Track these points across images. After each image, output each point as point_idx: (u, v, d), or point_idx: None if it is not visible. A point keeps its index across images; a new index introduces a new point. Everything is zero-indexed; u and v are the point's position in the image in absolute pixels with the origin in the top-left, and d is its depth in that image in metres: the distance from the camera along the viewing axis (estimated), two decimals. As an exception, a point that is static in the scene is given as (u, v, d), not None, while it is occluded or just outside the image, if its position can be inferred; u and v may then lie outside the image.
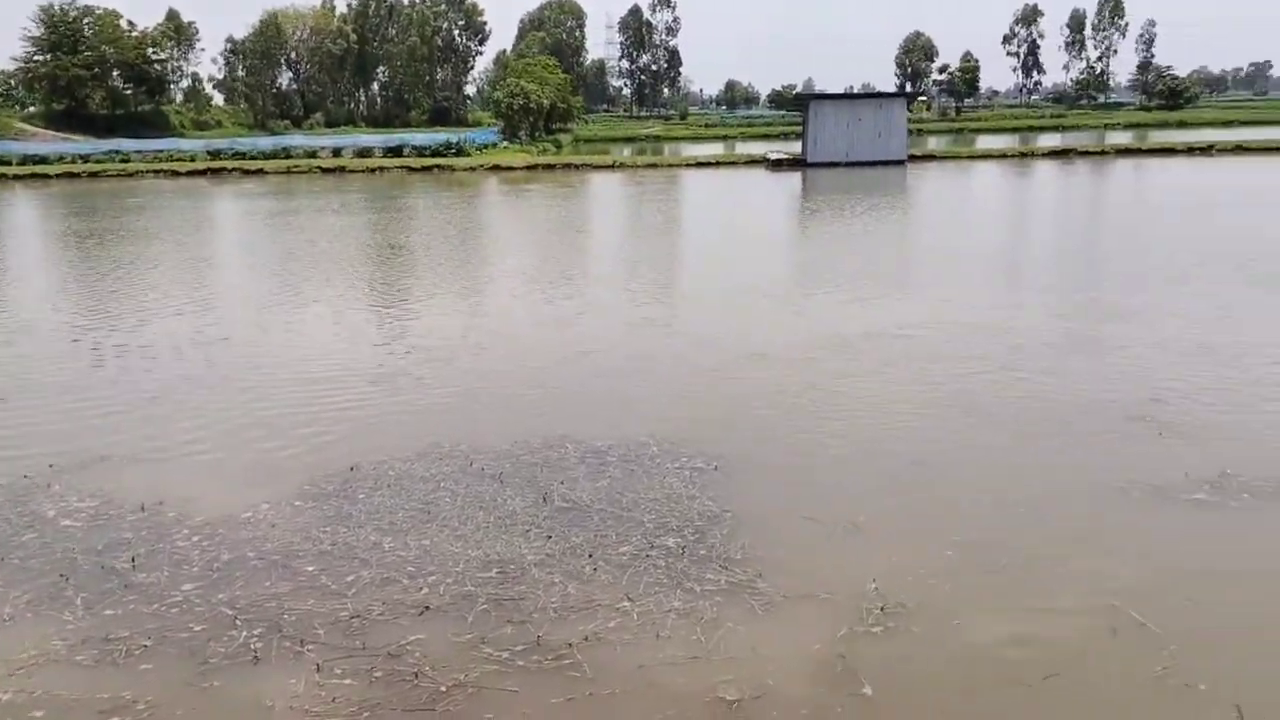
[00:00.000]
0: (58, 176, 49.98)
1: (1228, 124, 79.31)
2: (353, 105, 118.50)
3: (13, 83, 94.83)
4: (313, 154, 56.80)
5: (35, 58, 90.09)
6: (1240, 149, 48.84)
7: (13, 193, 43.69)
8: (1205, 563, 6.41)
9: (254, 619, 5.93)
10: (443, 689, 5.16)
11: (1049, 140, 66.35)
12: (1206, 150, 48.95)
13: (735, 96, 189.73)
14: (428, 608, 5.99)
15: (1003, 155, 52.47)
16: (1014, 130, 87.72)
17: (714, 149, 69.35)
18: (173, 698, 5.19)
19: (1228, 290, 14.99)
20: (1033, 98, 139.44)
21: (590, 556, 6.61)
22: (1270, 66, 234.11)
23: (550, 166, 50.80)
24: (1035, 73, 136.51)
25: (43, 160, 55.25)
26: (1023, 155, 52.11)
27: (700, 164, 51.03)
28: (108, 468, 8.58)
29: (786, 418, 9.57)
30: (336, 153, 56.97)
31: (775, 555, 6.60)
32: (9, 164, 53.56)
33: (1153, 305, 14.17)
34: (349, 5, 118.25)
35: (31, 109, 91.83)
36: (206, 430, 9.60)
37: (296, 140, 65.88)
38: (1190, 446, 8.46)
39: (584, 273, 19.04)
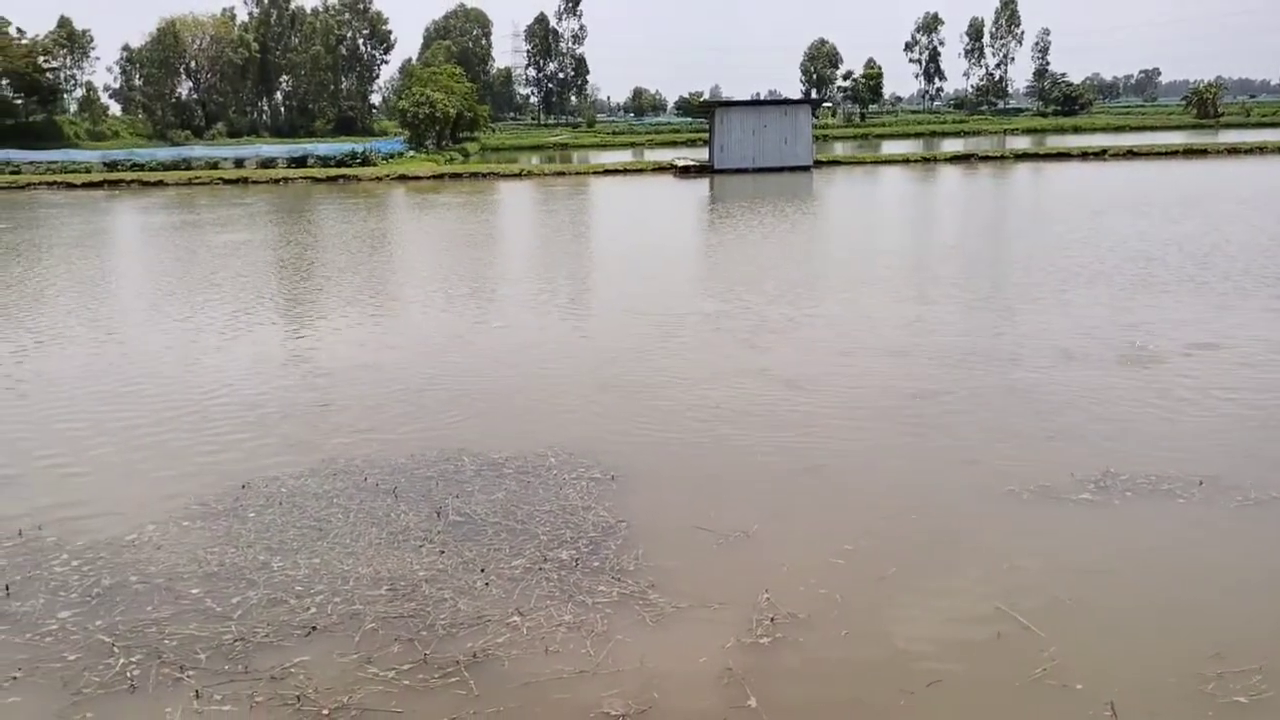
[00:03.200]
0: (-59, 189, 47.98)
1: (1120, 129, 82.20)
2: (256, 115, 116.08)
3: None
4: (214, 165, 55.54)
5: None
6: (1131, 153, 50.60)
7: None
8: (1088, 562, 6.59)
9: (133, 645, 5.74)
10: (325, 712, 5.05)
11: (952, 145, 67.95)
12: (1100, 154, 50.65)
13: (643, 104, 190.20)
14: (314, 628, 5.87)
15: (906, 160, 53.63)
16: (918, 135, 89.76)
17: (622, 156, 69.58)
18: (41, 733, 5.00)
19: (1116, 293, 15.50)
20: (935, 104, 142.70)
21: (482, 571, 6.55)
22: (1159, 74, 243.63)
23: (457, 175, 50.44)
24: (937, 79, 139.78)
25: (-76, 171, 53.02)
26: (926, 160, 53.31)
27: (609, 171, 51.12)
28: (-18, 494, 8.23)
29: (686, 428, 9.61)
30: (239, 163, 55.82)
31: (668, 566, 6.61)
32: (-114, 176, 51.29)
33: (1052, 308, 14.60)
34: (250, 14, 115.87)
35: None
36: (92, 452, 9.29)
37: (198, 151, 64.29)
38: (1077, 447, 8.71)
39: (491, 284, 18.91)
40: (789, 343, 12.96)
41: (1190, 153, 50.55)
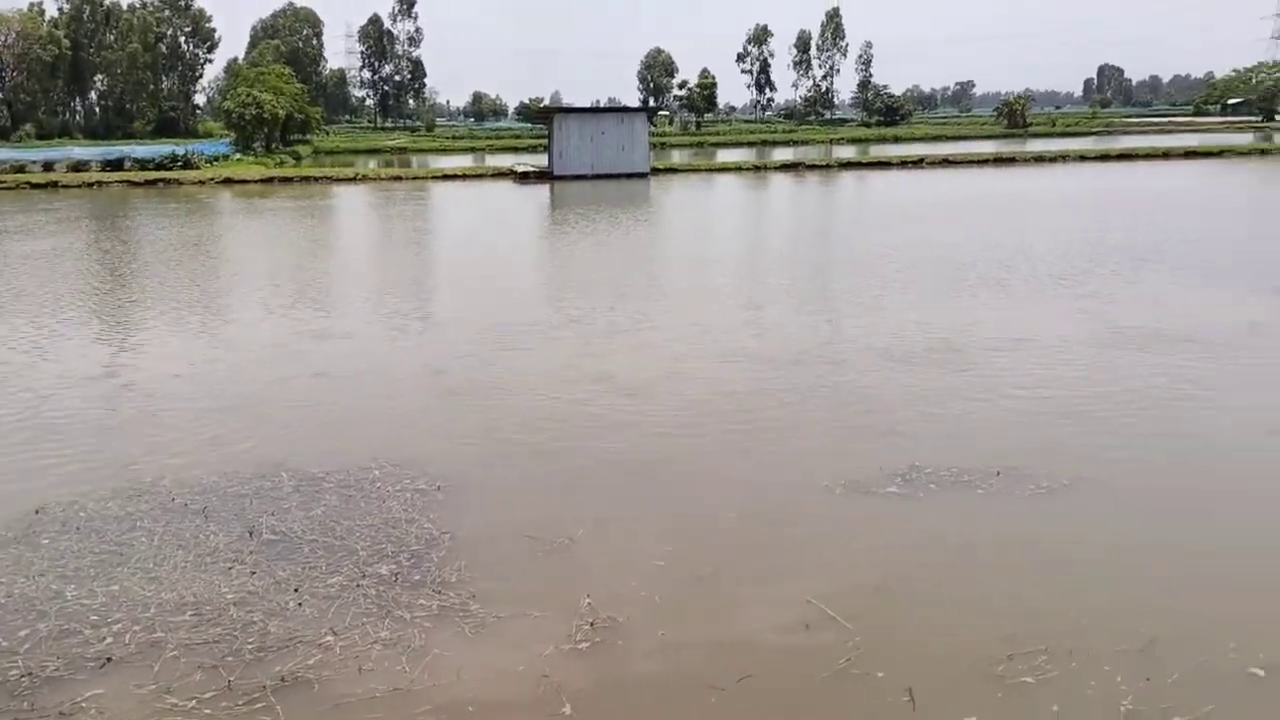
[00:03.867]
0: None
1: (937, 139, 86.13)
2: (68, 116, 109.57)
3: None
4: (21, 168, 51.97)
5: None
6: (947, 162, 53.12)
7: None
8: (894, 554, 6.87)
9: (-96, 690, 5.32)
10: (118, 748, 4.80)
11: (782, 154, 69.85)
12: (918, 163, 52.95)
13: (483, 109, 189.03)
14: (110, 659, 5.57)
15: (739, 168, 54.80)
16: (750, 144, 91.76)
17: (462, 161, 68.75)
18: None
19: (930, 297, 16.23)
20: (766, 113, 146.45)
21: (296, 590, 6.34)
22: (974, 85, 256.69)
23: (288, 179, 48.80)
24: (768, 89, 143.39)
25: None
26: (758, 168, 54.60)
27: (448, 176, 50.44)
28: None
29: (516, 436, 9.56)
30: (48, 167, 52.42)
31: (492, 576, 6.56)
32: None
33: (873, 311, 15.17)
34: (60, 9, 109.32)
35: None
36: None
37: (2, 154, 60.14)
38: (888, 443, 9.07)
39: (320, 293, 18.35)
40: (624, 349, 13.05)
41: (1000, 161, 53.36)
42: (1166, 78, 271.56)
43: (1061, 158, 53.68)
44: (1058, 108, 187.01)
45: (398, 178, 50.99)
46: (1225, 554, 6.77)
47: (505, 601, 6.18)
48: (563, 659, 5.52)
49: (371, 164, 66.93)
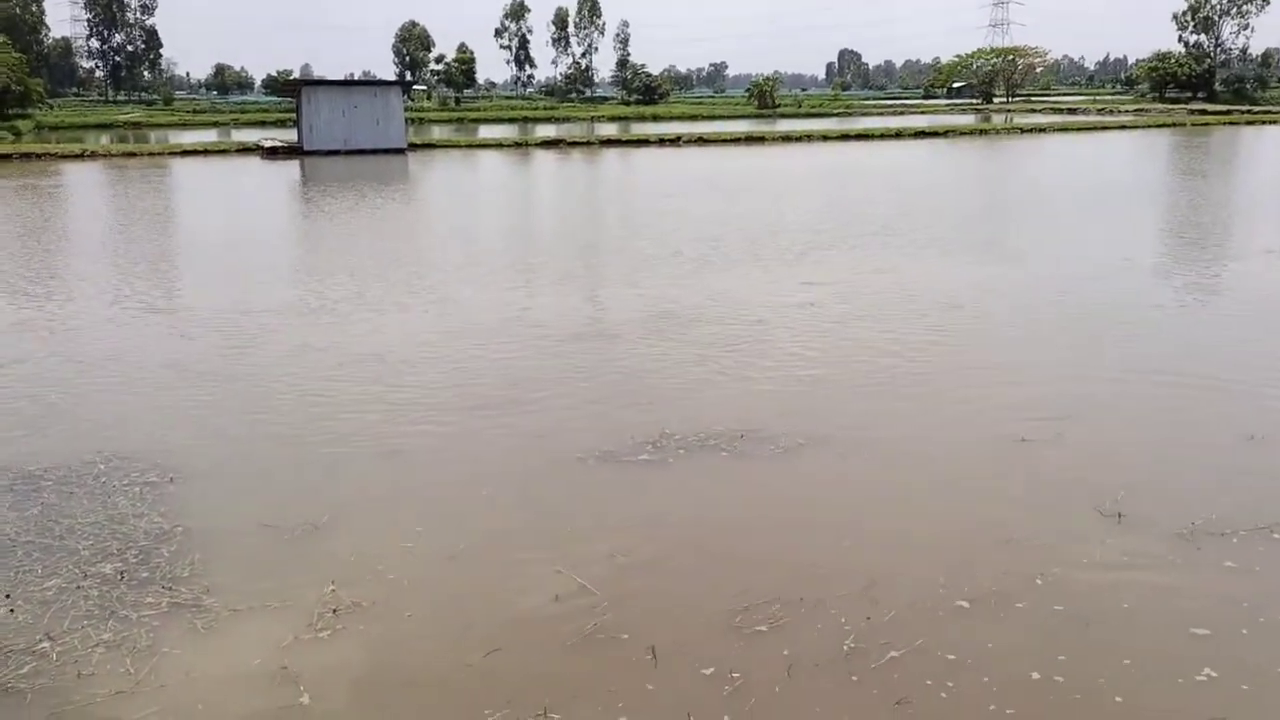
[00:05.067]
0: None
1: (694, 118, 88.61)
2: None
3: None
4: None
5: None
6: (702, 140, 54.73)
7: None
8: (642, 518, 7.05)
9: None
10: None
11: (545, 130, 69.84)
12: (675, 141, 54.30)
13: (227, 81, 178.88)
14: None
15: (501, 145, 54.49)
16: (511, 121, 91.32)
17: (205, 136, 64.98)
18: None
19: (685, 271, 16.72)
20: (527, 90, 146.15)
21: (7, 597, 5.84)
22: (727, 67, 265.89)
23: (6, 156, 44.55)
24: (527, 66, 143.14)
25: None
26: (520, 145, 54.45)
27: (189, 152, 47.51)
28: None
29: (253, 421, 9.16)
30: None
31: (228, 569, 6.26)
32: None
33: (629, 287, 15.44)
34: None
35: None
36: None
37: None
38: (640, 413, 9.28)
39: (43, 278, 16.88)
40: (379, 332, 12.73)
41: (751, 140, 55.47)
42: (899, 62, 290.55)
43: (806, 137, 56.36)
44: (803, 90, 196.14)
45: (132, 154, 47.59)
46: (937, 501, 7.34)
47: (242, 594, 5.92)
48: (302, 648, 5.34)
49: (104, 139, 62.15)
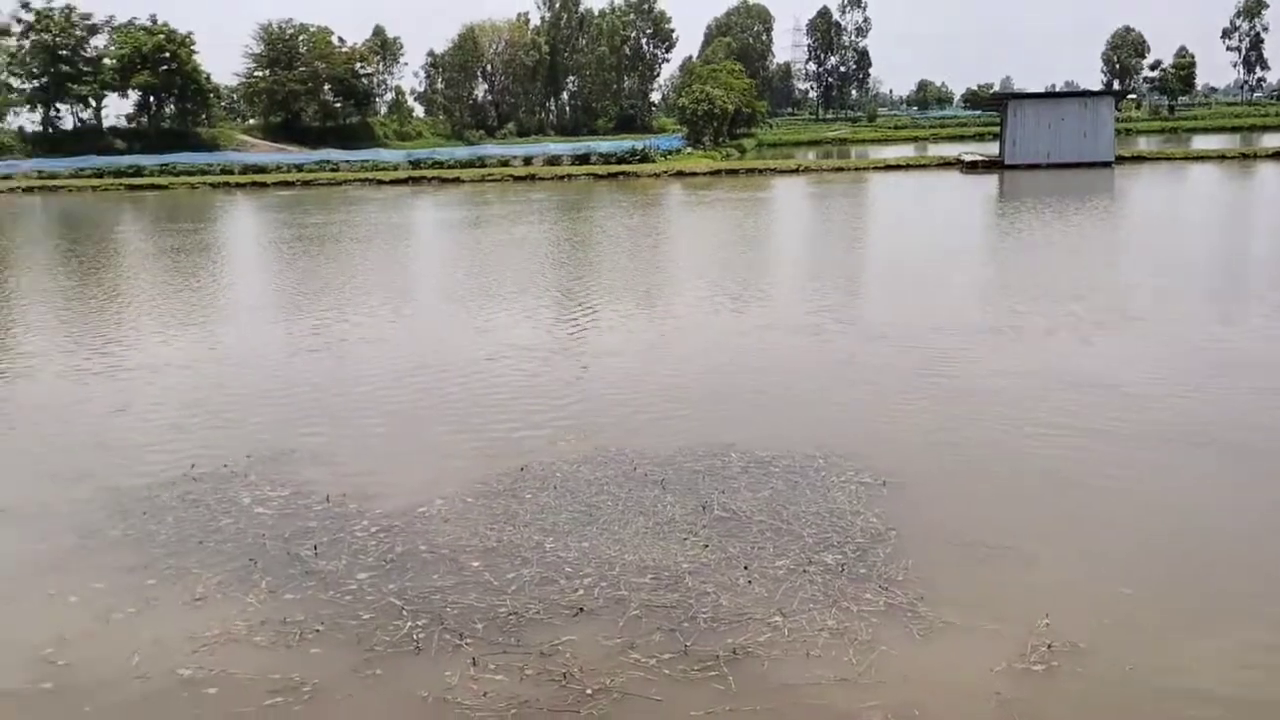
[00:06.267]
0: (274, 184, 53.44)
1: None
2: (543, 115, 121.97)
3: (235, 97, 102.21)
4: (505, 163, 58.87)
5: (255, 73, 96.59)
6: None
7: (234, 199, 47.12)
8: None
9: (419, 610, 6.15)
10: (589, 692, 5.22)
11: (1275, 140, 61.51)
12: None
13: (927, 97, 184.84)
14: (582, 609, 6.08)
15: (1221, 156, 49.13)
16: (1235, 130, 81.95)
17: (904, 151, 67.87)
18: (336, 682, 5.44)
19: None
20: (1255, 95, 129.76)
21: (746, 568, 6.55)
22: None
23: (734, 172, 50.77)
24: (1259, 68, 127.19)
25: (261, 170, 59.28)
26: (1244, 156, 48.62)
27: (889, 166, 49.97)
28: (297, 460, 9.08)
29: (964, 434, 9.23)
30: (527, 161, 58.83)
31: (938, 579, 6.34)
32: (232, 173, 57.83)
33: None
34: (542, 18, 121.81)
35: (251, 121, 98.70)
36: (390, 428, 10.05)
37: (490, 150, 68.69)
38: None
39: (759, 285, 18.92)
40: (1118, 345, 12.15)
41: None
42: None
43: None
44: None
45: (838, 169, 51.34)
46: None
47: (953, 607, 5.96)
48: (1016, 678, 5.21)
49: (811, 155, 67.95)
